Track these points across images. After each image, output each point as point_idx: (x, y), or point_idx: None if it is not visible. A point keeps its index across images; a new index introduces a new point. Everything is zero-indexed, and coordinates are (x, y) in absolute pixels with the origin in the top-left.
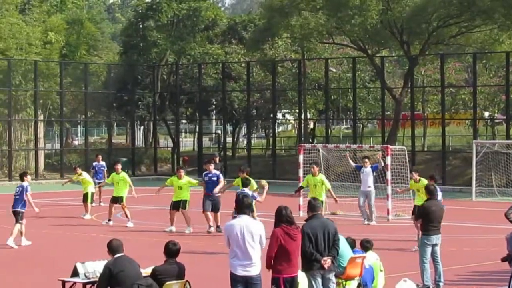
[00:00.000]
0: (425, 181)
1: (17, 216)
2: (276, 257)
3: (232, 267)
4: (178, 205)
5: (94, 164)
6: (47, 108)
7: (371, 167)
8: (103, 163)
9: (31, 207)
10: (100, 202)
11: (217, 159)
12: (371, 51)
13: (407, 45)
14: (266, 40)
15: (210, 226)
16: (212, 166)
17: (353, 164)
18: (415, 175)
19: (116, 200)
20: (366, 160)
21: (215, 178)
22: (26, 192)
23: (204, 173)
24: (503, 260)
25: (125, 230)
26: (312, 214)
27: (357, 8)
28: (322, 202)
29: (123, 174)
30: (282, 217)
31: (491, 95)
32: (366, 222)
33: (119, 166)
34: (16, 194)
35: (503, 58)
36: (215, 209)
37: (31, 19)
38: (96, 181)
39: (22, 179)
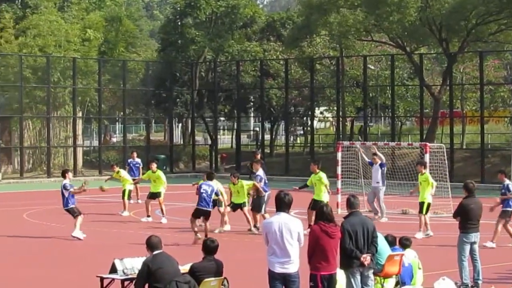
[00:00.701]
0: (427, 176)
1: (71, 213)
2: (314, 254)
3: (270, 265)
4: (215, 203)
5: (129, 161)
6: (85, 105)
7: (380, 164)
8: (138, 160)
9: (80, 194)
10: (137, 199)
11: (259, 156)
12: (410, 49)
13: (446, 43)
14: (304, 38)
15: (255, 226)
16: (258, 165)
17: (366, 159)
18: (421, 168)
19: (154, 195)
20: (375, 157)
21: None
22: (65, 189)
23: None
24: None
25: (164, 227)
26: (351, 211)
27: (395, 5)
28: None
29: (159, 173)
30: (322, 215)
31: None
32: (376, 217)
33: (154, 166)
34: (61, 193)
35: None
36: (254, 208)
37: (69, 16)
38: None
39: (63, 176)
